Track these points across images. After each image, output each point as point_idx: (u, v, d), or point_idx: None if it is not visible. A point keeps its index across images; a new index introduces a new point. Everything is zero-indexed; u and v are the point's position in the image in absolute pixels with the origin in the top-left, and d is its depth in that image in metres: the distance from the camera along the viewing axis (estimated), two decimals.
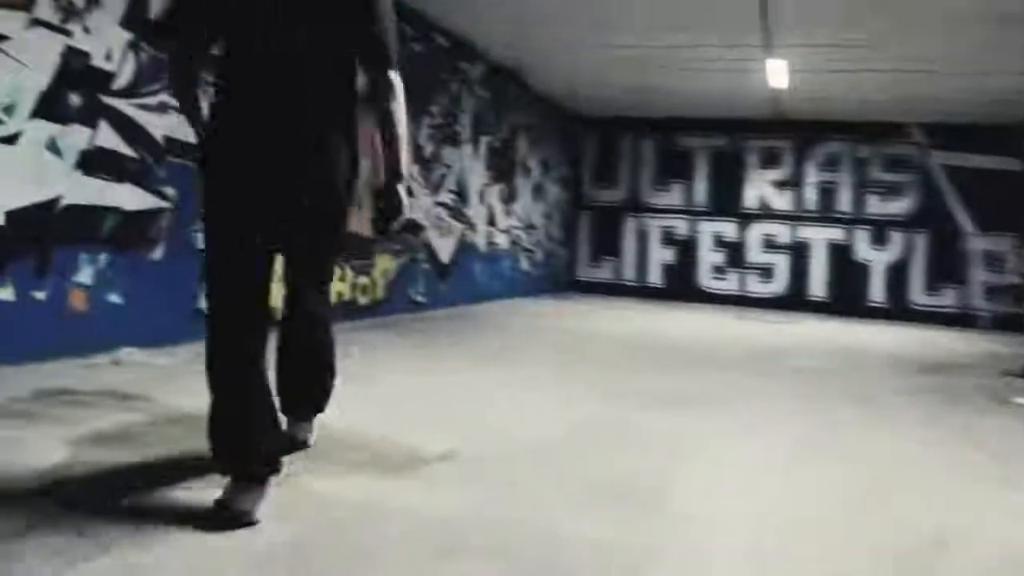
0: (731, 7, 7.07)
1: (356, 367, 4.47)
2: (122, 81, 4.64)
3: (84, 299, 4.49)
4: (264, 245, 2.45)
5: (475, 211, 9.62)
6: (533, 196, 11.67)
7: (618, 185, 12.96)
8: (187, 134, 5.02)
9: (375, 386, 4.27)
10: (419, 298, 8.29)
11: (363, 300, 7.27)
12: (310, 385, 2.93)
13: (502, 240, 10.55)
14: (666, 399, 4.41)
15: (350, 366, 4.19)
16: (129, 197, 4.73)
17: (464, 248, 9.39)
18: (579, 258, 13.23)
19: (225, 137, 2.45)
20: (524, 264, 11.42)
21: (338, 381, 3.00)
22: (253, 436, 2.36)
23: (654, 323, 9.00)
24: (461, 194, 9.20)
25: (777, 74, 9.16)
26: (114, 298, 4.67)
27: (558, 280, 12.85)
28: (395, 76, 2.55)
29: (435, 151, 8.49)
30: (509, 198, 10.73)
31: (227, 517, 2.26)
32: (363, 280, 7.25)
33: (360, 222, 6.28)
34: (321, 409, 3.00)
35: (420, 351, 5.68)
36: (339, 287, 6.88)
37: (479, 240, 9.81)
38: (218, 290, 2.41)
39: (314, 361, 2.89)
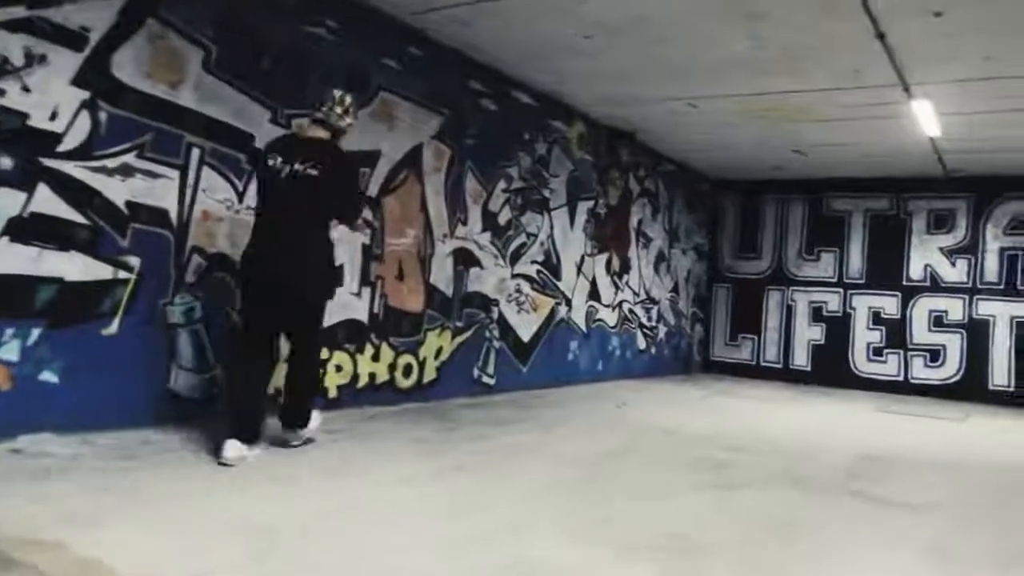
0: (848, 39, 5.84)
1: (281, 466, 3.73)
2: (71, 142, 4.28)
3: (6, 376, 4.08)
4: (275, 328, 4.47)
5: (569, 284, 8.70)
6: (655, 267, 10.55)
7: (760, 254, 11.53)
8: (158, 199, 4.72)
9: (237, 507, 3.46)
10: (486, 379, 7.45)
11: (404, 383, 6.53)
12: (295, 407, 4.54)
13: (609, 316, 9.51)
14: (658, 545, 3.25)
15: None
16: (73, 266, 4.32)
17: (556, 324, 8.47)
18: (714, 336, 11.83)
19: (253, 260, 4.39)
20: (641, 343, 10.26)
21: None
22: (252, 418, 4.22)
23: (774, 415, 7.56)
24: (549, 265, 8.33)
25: (926, 119, 7.62)
26: (47, 376, 4.23)
27: (689, 361, 11.52)
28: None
29: (514, 218, 7.72)
30: (621, 270, 9.71)
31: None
32: (406, 359, 6.53)
33: None
34: (302, 425, 4.55)
35: (413, 448, 4.83)
36: (374, 367, 6.21)
37: (576, 316, 8.85)
38: (244, 351, 4.42)
39: (300, 390, 4.55)
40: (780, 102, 7.64)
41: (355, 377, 6.07)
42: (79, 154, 4.32)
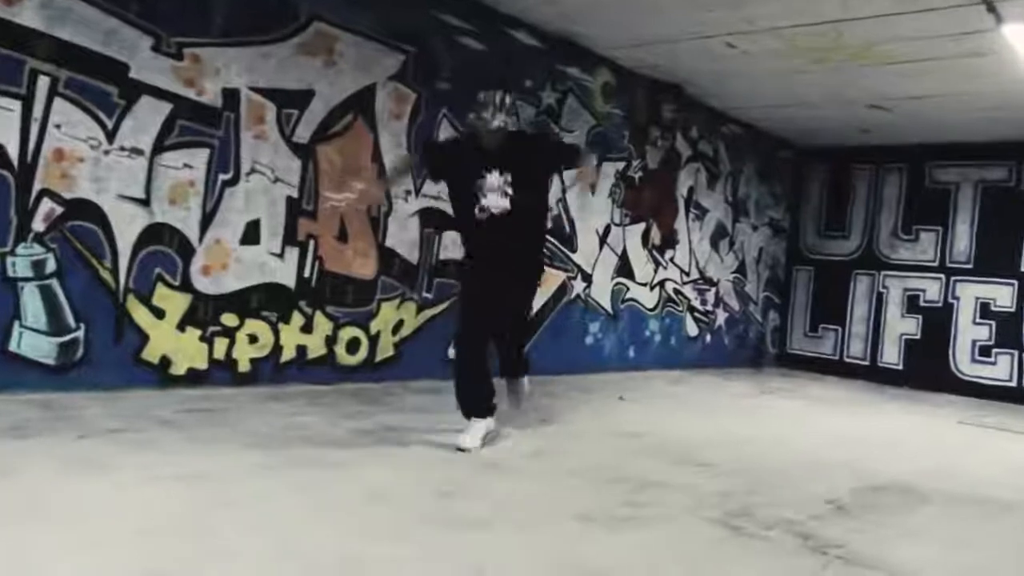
0: None
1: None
2: None
3: None
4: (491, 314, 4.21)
5: (588, 257, 7.59)
6: (713, 244, 9.20)
7: (848, 233, 9.88)
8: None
9: None
10: None
11: (349, 359, 5.71)
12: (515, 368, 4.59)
13: (645, 296, 8.31)
14: None
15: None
16: None
17: (567, 302, 7.40)
18: (792, 326, 10.30)
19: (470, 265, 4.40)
20: (691, 329, 8.97)
21: None
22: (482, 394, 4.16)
23: (816, 422, 6.23)
24: (558, 234, 7.26)
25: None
26: None
27: (760, 353, 10.08)
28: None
29: None
30: (663, 244, 8.47)
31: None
32: (351, 333, 5.71)
33: None
34: (524, 373, 4.64)
35: (234, 440, 3.99)
36: (304, 340, 5.44)
37: (599, 294, 7.73)
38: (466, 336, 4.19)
39: (516, 362, 4.57)
40: (833, 37, 6.21)
41: (276, 350, 5.32)
42: None
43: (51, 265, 4.30)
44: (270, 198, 5.18)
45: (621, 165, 7.82)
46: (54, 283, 4.32)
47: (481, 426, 4.09)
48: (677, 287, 8.73)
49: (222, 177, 4.94)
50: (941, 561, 3.03)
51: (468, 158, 4.16)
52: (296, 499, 2.95)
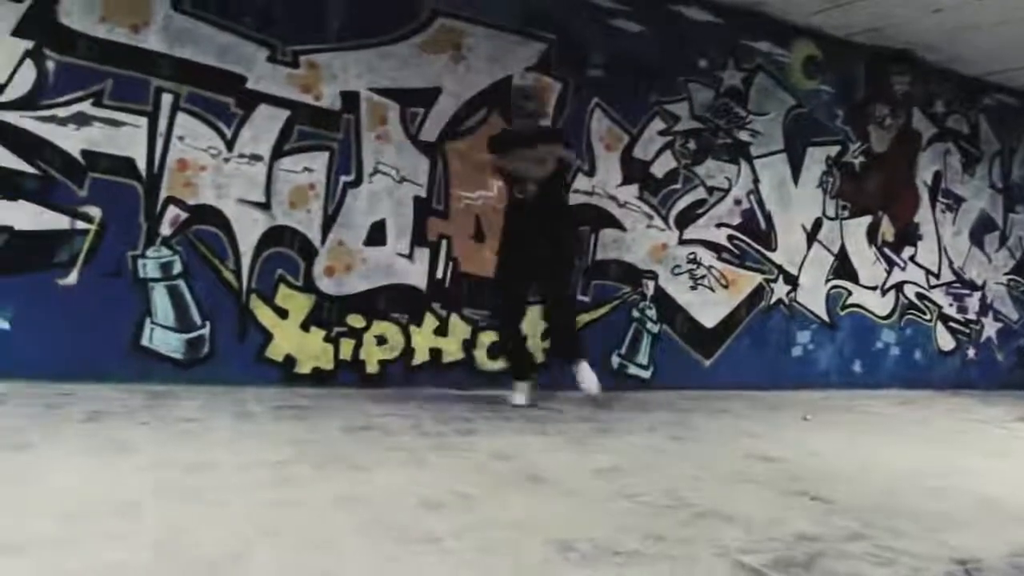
0: None
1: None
2: (15, 93, 4.28)
3: None
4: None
5: (792, 256, 6.62)
6: (975, 240, 7.60)
7: None
8: (118, 148, 4.50)
9: None
10: (635, 371, 5.97)
11: (490, 365, 5.48)
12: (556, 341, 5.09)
13: (875, 303, 7.06)
14: None
15: None
16: (23, 216, 4.32)
17: (767, 308, 6.52)
18: None
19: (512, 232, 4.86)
20: (944, 342, 7.46)
21: None
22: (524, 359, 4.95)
23: None
24: (752, 230, 6.42)
25: None
26: None
27: None
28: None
29: (682, 167, 6.08)
30: (899, 241, 7.15)
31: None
32: (492, 337, 5.48)
33: None
34: (573, 355, 4.89)
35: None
36: (438, 343, 5.33)
37: (809, 299, 6.71)
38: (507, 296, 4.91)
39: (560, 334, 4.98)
40: None
41: (408, 353, 5.26)
42: (25, 104, 4.29)
43: (178, 267, 4.64)
44: (395, 199, 5.16)
45: (834, 150, 6.75)
46: (181, 283, 4.65)
47: (524, 386, 4.83)
48: (922, 292, 7.32)
49: (344, 179, 5.01)
50: None
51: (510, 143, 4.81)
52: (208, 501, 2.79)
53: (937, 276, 7.38)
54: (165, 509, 2.59)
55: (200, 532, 2.41)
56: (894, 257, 7.11)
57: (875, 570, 2.57)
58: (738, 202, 6.33)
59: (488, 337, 5.46)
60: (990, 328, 7.72)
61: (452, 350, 5.39)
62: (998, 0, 5.52)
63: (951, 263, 7.46)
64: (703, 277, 6.16)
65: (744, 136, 6.30)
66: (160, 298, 4.61)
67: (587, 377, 4.78)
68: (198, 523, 2.48)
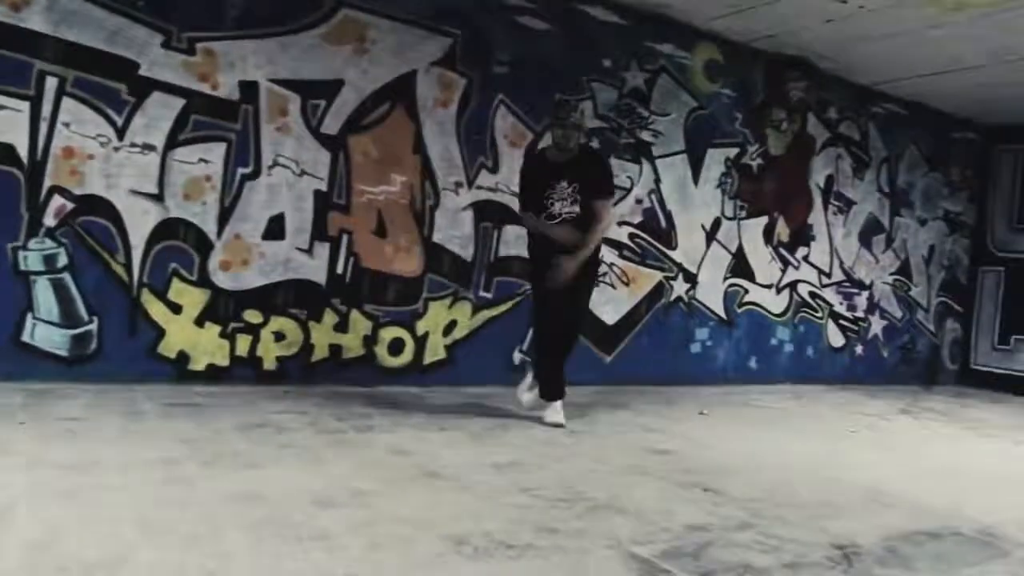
0: None
1: None
2: None
3: None
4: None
5: (692, 255, 6.80)
6: (863, 241, 7.98)
7: None
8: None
9: None
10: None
11: (392, 361, 5.45)
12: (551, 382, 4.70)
13: (770, 300, 7.32)
14: None
15: None
16: None
17: (666, 305, 6.67)
18: (977, 338, 8.68)
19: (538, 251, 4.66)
20: (834, 339, 7.81)
21: None
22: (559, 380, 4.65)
23: (922, 452, 5.11)
24: (653, 229, 6.56)
25: None
26: None
27: (935, 369, 8.60)
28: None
29: None
30: (793, 241, 7.44)
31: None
32: (394, 333, 5.44)
33: None
34: (558, 396, 4.67)
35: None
36: (338, 339, 5.25)
37: (706, 296, 6.91)
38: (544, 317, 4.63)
39: (553, 374, 4.67)
40: None
41: (307, 349, 5.16)
42: None
43: (63, 259, 4.43)
44: (295, 192, 5.05)
45: (733, 152, 6.96)
46: (66, 277, 4.44)
47: (559, 404, 4.67)
48: (815, 290, 7.63)
49: (241, 171, 4.88)
50: None
51: (540, 167, 4.66)
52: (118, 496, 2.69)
53: (828, 275, 7.71)
54: (39, 511, 2.48)
55: (77, 534, 2.31)
56: (788, 257, 7.40)
57: (760, 557, 2.67)
58: (639, 201, 6.46)
59: (389, 333, 5.42)
60: (877, 326, 8.11)
61: (353, 346, 5.32)
62: (886, 14, 5.80)
63: (841, 263, 7.80)
64: (604, 275, 6.25)
65: (646, 136, 6.43)
66: (43, 292, 4.38)
67: (556, 414, 4.61)
68: (75, 525, 2.38)
